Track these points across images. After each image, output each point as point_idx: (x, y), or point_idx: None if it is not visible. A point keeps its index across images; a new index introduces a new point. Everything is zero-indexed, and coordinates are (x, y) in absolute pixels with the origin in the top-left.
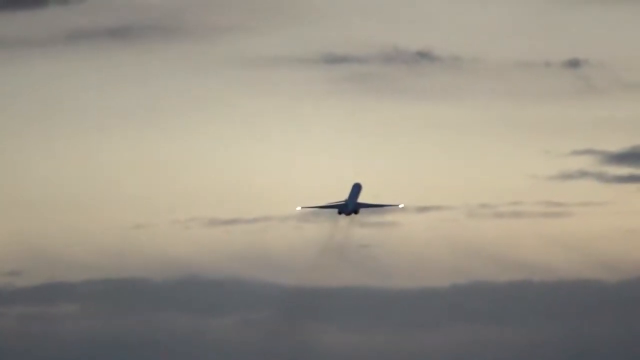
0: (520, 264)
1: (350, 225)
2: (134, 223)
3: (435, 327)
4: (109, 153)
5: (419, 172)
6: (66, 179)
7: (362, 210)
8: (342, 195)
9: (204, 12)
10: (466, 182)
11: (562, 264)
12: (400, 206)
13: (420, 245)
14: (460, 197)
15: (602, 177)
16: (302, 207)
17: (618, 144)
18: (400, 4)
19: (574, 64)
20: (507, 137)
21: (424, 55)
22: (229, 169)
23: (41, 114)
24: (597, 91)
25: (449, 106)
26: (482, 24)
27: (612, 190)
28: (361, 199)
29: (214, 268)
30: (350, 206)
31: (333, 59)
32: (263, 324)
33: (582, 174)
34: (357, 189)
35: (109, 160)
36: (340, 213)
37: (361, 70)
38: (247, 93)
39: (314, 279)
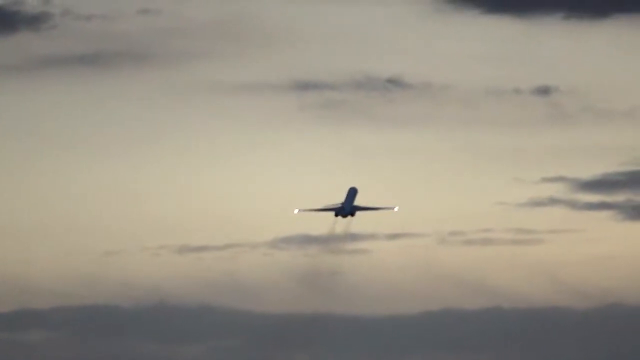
0: (491, 291)
1: (321, 252)
2: (104, 250)
3: (406, 354)
4: (79, 180)
5: (389, 199)
6: (35, 206)
7: (357, 214)
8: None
9: (175, 39)
10: (437, 209)
11: (532, 291)
12: (395, 209)
13: (392, 272)
14: (431, 224)
15: (572, 205)
16: (299, 210)
17: (588, 171)
18: (370, 31)
19: (544, 91)
20: (477, 164)
21: (394, 82)
22: (199, 196)
23: (10, 140)
24: (567, 118)
25: (420, 133)
26: (452, 51)
27: (583, 217)
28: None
29: (184, 295)
30: (346, 209)
31: (304, 86)
32: (233, 351)
33: (553, 202)
34: (353, 192)
35: (79, 187)
36: (337, 215)
37: (332, 97)
38: (217, 119)
39: (284, 307)
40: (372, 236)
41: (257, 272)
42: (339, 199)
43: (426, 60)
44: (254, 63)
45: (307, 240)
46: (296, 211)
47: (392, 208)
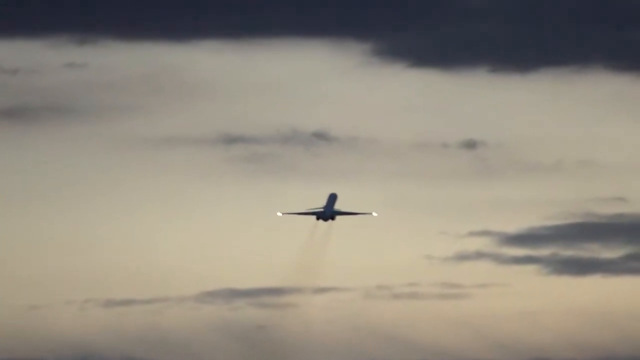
0: (417, 345)
1: (247, 305)
2: (28, 304)
3: None
4: (2, 233)
5: (317, 252)
6: None
7: (337, 217)
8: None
9: (101, 92)
10: (363, 263)
11: (459, 345)
12: (374, 214)
13: (318, 326)
14: (357, 278)
15: (498, 259)
16: (282, 214)
17: (514, 225)
18: (296, 85)
19: (470, 145)
20: (403, 218)
21: (320, 136)
22: (125, 249)
23: None
24: (493, 172)
25: (346, 186)
26: (378, 104)
27: (509, 271)
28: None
29: (110, 349)
30: (327, 213)
31: (230, 139)
32: None
33: (479, 255)
34: (333, 198)
35: (3, 240)
36: (318, 219)
37: (258, 150)
38: (142, 173)
39: None
40: (298, 290)
41: (183, 326)
42: (266, 254)
43: (352, 114)
44: (179, 116)
45: (233, 294)
46: (279, 214)
47: (371, 213)
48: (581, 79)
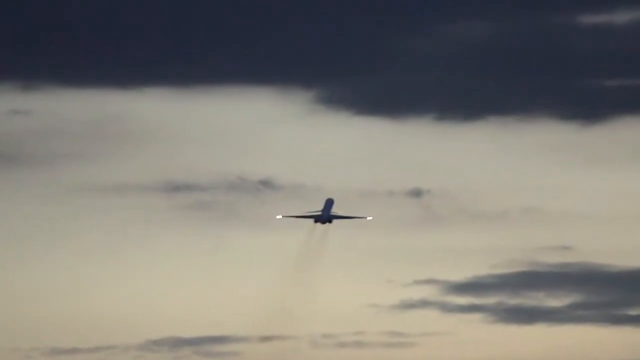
0: None
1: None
2: None
3: None
4: None
5: (262, 300)
6: None
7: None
8: None
9: (46, 139)
10: (309, 311)
11: None
12: (369, 218)
13: None
14: (303, 326)
15: (444, 307)
16: (282, 216)
17: (460, 273)
18: (242, 133)
19: (416, 193)
20: (349, 266)
21: (266, 184)
22: (71, 297)
23: None
24: (439, 220)
25: (291, 235)
26: (325, 152)
27: (454, 320)
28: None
29: None
30: (324, 216)
31: (176, 187)
32: None
33: (424, 304)
34: (330, 203)
35: None
36: (316, 222)
37: (204, 198)
38: (88, 220)
39: None
40: (244, 339)
41: None
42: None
43: (299, 162)
44: (124, 164)
45: (178, 342)
46: (279, 217)
47: (365, 217)
48: (526, 127)
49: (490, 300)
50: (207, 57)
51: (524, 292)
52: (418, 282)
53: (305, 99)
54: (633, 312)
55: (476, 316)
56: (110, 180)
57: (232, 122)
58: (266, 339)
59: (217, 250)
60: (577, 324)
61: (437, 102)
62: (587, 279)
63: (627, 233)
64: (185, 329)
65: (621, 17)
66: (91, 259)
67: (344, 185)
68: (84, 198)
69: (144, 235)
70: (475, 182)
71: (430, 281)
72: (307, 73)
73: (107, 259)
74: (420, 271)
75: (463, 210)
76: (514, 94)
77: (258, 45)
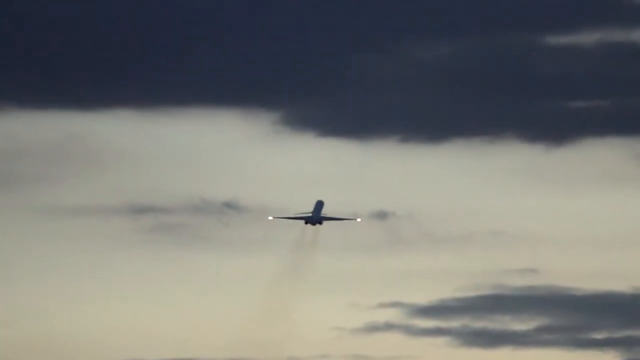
0: None
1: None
2: None
3: None
4: None
5: (228, 325)
6: None
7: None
8: None
9: (7, 161)
10: (273, 335)
11: None
12: (358, 220)
13: None
14: (267, 350)
15: (409, 330)
16: (273, 217)
17: (425, 296)
18: (206, 154)
19: (381, 216)
20: (313, 290)
21: (230, 206)
22: (32, 320)
23: None
24: (404, 243)
25: (256, 257)
26: (289, 174)
27: (419, 343)
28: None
29: None
30: (314, 218)
31: (139, 209)
32: None
33: (389, 327)
34: (320, 205)
35: None
36: (306, 223)
37: (168, 220)
38: (50, 243)
39: None
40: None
41: None
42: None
43: (263, 184)
44: (87, 186)
45: None
46: (270, 218)
47: (356, 219)
48: (492, 149)
49: (456, 323)
50: (171, 77)
51: (490, 316)
52: (383, 305)
53: (269, 121)
54: (599, 335)
55: (441, 339)
56: (72, 202)
57: (196, 144)
58: None
59: (180, 272)
60: (542, 347)
61: (403, 124)
62: (553, 302)
63: (593, 256)
64: (147, 351)
65: (587, 39)
66: (53, 281)
67: (308, 208)
68: (46, 220)
69: (106, 258)
70: (440, 205)
71: (395, 304)
72: (272, 94)
73: (70, 281)
74: (385, 294)
75: (428, 232)
76: (480, 116)
77: (222, 66)
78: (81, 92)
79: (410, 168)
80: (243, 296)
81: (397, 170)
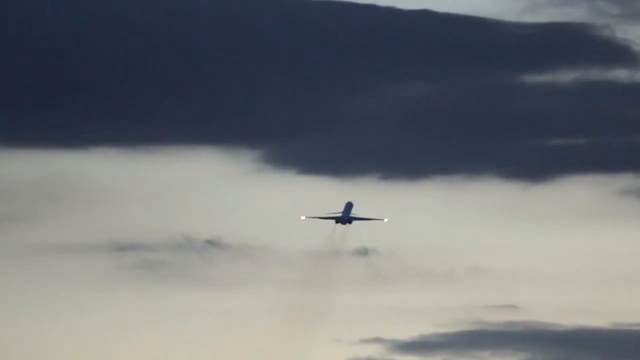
0: None
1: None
2: None
3: None
4: None
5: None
6: None
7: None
8: None
9: None
10: None
11: None
12: (385, 220)
13: None
14: None
15: None
16: (306, 217)
17: (406, 332)
18: (188, 192)
19: (362, 252)
20: (295, 325)
21: (213, 244)
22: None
23: None
24: (385, 279)
25: (239, 294)
26: (271, 211)
27: None
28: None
29: None
30: (345, 217)
31: (122, 247)
32: None
33: None
34: (349, 206)
35: None
36: (337, 222)
37: (151, 258)
38: (32, 281)
39: None
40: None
41: None
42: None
43: (245, 221)
44: (69, 224)
45: None
46: (303, 217)
47: (383, 219)
48: (471, 186)
49: (437, 358)
50: (153, 116)
51: (470, 351)
52: (364, 341)
53: (250, 158)
54: None
55: None
56: (54, 240)
57: (177, 182)
58: None
59: (163, 309)
60: None
61: (382, 162)
62: (533, 337)
63: (573, 292)
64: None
65: (565, 77)
66: (35, 319)
67: (290, 245)
68: (28, 258)
69: (89, 296)
70: (420, 241)
71: (376, 340)
72: (253, 132)
73: (52, 319)
74: (367, 330)
75: (409, 269)
76: (459, 153)
77: (203, 104)
78: (63, 130)
79: (390, 205)
80: (225, 333)
81: (377, 207)
